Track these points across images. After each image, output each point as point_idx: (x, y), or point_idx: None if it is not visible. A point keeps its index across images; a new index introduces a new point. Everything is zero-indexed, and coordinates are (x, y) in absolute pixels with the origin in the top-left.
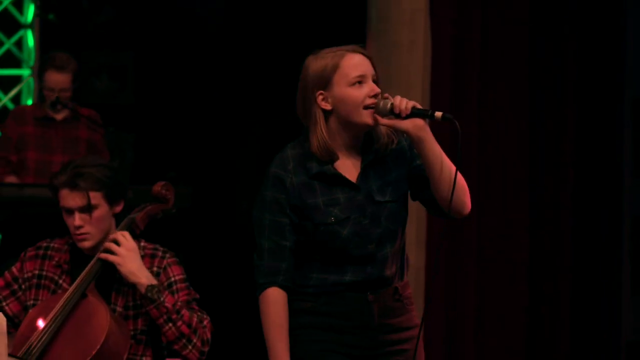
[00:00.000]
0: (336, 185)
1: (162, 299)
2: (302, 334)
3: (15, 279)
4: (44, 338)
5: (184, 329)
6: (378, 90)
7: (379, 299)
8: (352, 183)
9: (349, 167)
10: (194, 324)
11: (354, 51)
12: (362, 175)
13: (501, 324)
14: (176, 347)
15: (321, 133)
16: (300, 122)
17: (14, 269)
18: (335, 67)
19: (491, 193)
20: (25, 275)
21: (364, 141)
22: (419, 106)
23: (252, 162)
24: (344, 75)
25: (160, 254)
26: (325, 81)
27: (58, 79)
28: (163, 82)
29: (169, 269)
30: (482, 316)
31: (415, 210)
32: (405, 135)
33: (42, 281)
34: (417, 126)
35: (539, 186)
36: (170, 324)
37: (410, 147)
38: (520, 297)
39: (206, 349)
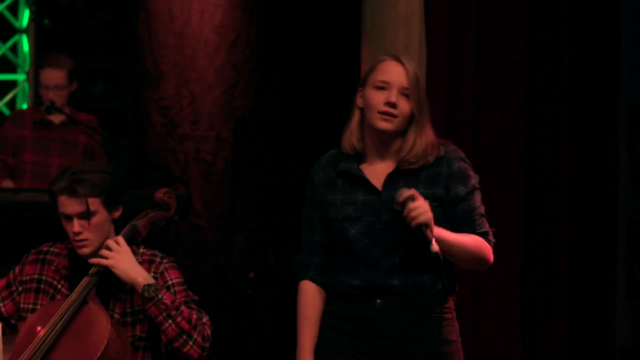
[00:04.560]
0: (358, 186)
1: (160, 296)
2: (321, 335)
3: (14, 280)
4: (44, 345)
5: (184, 324)
6: (394, 100)
7: (387, 307)
8: (373, 186)
9: (378, 171)
10: (193, 320)
11: (394, 59)
12: (390, 181)
13: (496, 329)
14: (176, 344)
15: (351, 129)
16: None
17: (15, 270)
18: (373, 68)
19: (485, 197)
20: (24, 278)
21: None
22: (427, 224)
23: (248, 166)
24: (374, 76)
25: (158, 259)
26: (364, 79)
27: (52, 76)
28: (160, 87)
29: (165, 273)
30: (477, 320)
31: None
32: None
33: (42, 286)
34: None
35: (533, 191)
36: (170, 321)
37: (450, 175)
38: (515, 301)
39: (207, 345)
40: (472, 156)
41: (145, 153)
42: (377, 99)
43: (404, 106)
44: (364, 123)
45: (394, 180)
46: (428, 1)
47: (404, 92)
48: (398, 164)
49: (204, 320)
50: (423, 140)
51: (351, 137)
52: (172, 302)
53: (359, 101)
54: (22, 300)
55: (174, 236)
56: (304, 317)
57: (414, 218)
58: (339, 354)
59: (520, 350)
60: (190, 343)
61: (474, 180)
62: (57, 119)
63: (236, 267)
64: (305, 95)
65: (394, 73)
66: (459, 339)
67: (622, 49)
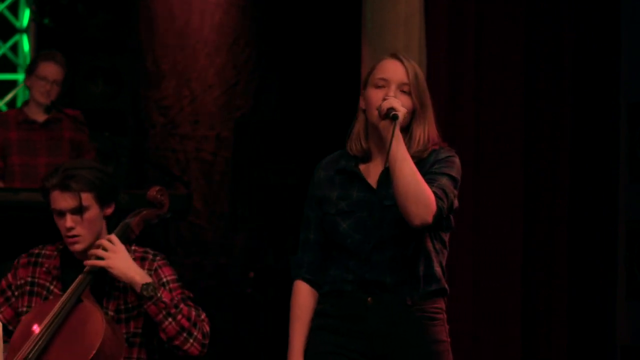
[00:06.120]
0: (354, 183)
1: (159, 294)
2: (311, 336)
3: (9, 286)
4: (39, 344)
5: (184, 322)
6: (390, 95)
7: (379, 306)
8: (368, 184)
9: (376, 169)
10: (193, 317)
11: (392, 56)
12: (384, 178)
13: (496, 329)
14: (177, 342)
15: (355, 131)
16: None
17: (8, 276)
18: (373, 69)
19: (486, 197)
20: (18, 282)
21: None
22: (397, 109)
23: (248, 166)
24: (373, 75)
25: (150, 257)
26: (365, 81)
27: (53, 70)
28: (160, 86)
29: (159, 271)
30: (477, 320)
31: None
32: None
33: (35, 288)
34: (384, 126)
35: (533, 191)
36: (170, 319)
37: (435, 162)
38: (515, 301)
39: (206, 341)
40: (472, 156)
41: (145, 153)
42: (376, 96)
43: (404, 102)
44: (367, 125)
45: (388, 176)
46: (428, 1)
47: (403, 89)
48: None
49: (202, 317)
50: (426, 135)
51: (356, 139)
52: (171, 300)
53: (362, 103)
54: (19, 305)
55: (174, 236)
56: (295, 317)
57: (383, 108)
58: (329, 353)
59: (520, 350)
60: (191, 340)
61: (455, 173)
62: (40, 117)
63: (236, 267)
64: (305, 95)
65: (392, 70)
66: (449, 339)
67: (622, 49)
